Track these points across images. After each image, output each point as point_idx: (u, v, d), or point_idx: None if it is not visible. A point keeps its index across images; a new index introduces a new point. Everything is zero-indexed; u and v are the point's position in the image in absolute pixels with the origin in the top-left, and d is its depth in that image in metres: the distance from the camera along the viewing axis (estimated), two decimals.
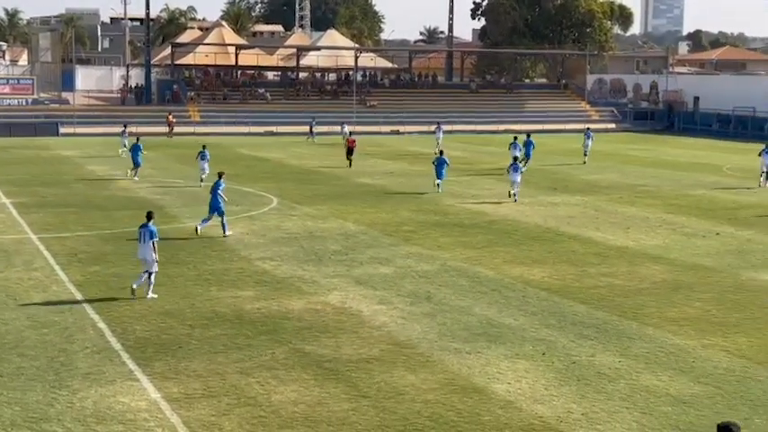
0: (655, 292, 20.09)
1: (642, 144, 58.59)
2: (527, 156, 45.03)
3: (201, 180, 36.60)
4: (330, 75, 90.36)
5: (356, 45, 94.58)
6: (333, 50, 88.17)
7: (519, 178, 34.16)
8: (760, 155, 41.14)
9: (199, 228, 26.34)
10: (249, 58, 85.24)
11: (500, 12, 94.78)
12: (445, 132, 59.76)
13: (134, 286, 19.08)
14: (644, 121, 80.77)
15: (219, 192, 26.28)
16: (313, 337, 16.45)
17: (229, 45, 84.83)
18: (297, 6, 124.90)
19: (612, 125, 79.78)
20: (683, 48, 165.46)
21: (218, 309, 18.24)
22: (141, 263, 19.34)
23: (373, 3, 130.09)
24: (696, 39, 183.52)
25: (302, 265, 22.43)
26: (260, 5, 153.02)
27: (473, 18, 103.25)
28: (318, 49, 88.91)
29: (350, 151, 46.56)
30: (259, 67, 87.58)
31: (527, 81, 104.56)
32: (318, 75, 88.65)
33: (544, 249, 24.88)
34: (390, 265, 22.52)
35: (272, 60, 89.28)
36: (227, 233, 26.04)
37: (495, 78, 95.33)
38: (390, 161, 49.28)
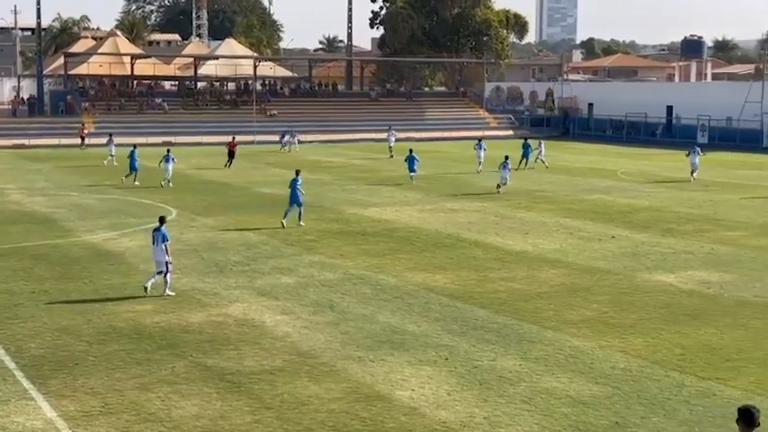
0: (553, 295, 20.47)
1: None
2: (525, 157, 49.14)
3: (168, 182, 40.11)
4: (229, 84, 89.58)
5: (255, 54, 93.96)
6: (231, 59, 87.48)
7: (508, 175, 39.27)
8: (688, 155, 45.25)
9: (284, 222, 29.52)
10: (145, 67, 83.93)
11: (398, 21, 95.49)
12: (345, 141, 59.92)
13: (147, 285, 19.98)
14: (540, 128, 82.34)
15: (298, 186, 29.98)
16: (214, 349, 16.24)
17: (124, 55, 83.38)
18: (194, 15, 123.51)
19: (510, 132, 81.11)
20: (577, 55, 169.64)
21: (116, 324, 17.85)
22: (155, 264, 20.19)
23: (272, 12, 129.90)
24: (589, 46, 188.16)
25: (203, 277, 22.14)
26: (155, 14, 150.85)
27: (372, 27, 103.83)
28: (216, 58, 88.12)
29: (230, 154, 49.41)
30: (156, 76, 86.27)
31: (426, 89, 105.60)
32: (217, 84, 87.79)
33: (446, 255, 25.11)
34: (293, 275, 22.41)
35: (170, 70, 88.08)
36: (302, 223, 29.71)
37: (395, 87, 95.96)
38: (290, 170, 48.89)
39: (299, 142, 64.56)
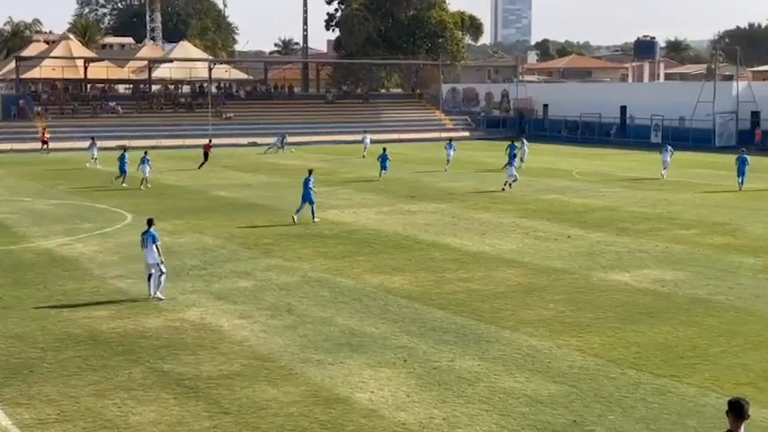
0: (510, 295, 20.58)
1: (496, 151, 59.94)
2: (520, 157, 49.16)
3: (147, 183, 41.26)
4: (184, 87, 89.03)
5: (210, 57, 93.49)
6: (186, 62, 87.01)
7: (515, 172, 41.26)
8: (660, 153, 47.68)
9: (295, 217, 30.92)
10: (99, 71, 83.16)
11: (354, 23, 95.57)
12: (302, 144, 59.88)
13: (156, 293, 20.02)
14: (496, 129, 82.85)
15: (310, 185, 31.27)
16: (172, 355, 16.11)
17: (77, 58, 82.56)
18: (147, 18, 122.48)
19: (466, 133, 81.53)
20: (532, 57, 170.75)
21: (72, 330, 17.64)
22: (148, 267, 20.08)
23: (226, 14, 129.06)
24: (544, 48, 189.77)
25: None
26: (109, 18, 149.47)
27: (327, 29, 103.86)
28: (171, 61, 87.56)
29: (206, 156, 50.92)
30: (109, 80, 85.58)
31: (383, 91, 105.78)
32: (172, 87, 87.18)
33: (404, 257, 25.14)
34: (250, 279, 22.31)
35: (123, 73, 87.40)
36: (316, 219, 31.00)
37: (352, 89, 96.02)
38: (248, 173, 48.87)
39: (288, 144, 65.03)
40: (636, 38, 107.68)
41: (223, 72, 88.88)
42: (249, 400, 13.84)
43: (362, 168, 51.66)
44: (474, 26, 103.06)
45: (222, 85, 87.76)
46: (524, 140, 54.14)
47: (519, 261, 24.43)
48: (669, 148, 47.63)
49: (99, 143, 61.25)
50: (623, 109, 77.22)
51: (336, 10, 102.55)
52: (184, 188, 41.97)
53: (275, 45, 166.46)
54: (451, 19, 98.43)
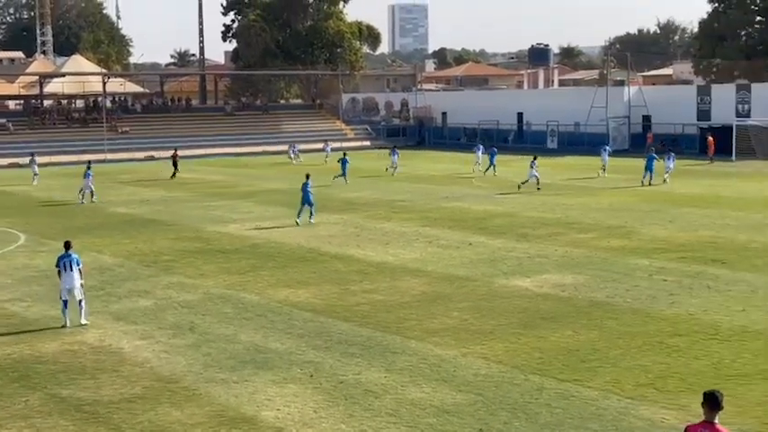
0: (415, 305, 20.66)
1: (374, 161, 60.16)
2: (491, 163, 51.14)
3: (93, 196, 41.72)
4: (78, 102, 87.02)
5: (104, 70, 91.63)
6: (79, 76, 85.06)
7: (537, 173, 43.31)
8: (599, 154, 50.71)
9: (298, 220, 33.14)
10: None
11: (251, 34, 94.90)
12: (201, 157, 59.31)
13: (67, 322, 19.10)
14: (397, 138, 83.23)
15: (309, 189, 33.64)
16: (70, 380, 15.67)
17: None
18: (38, 32, 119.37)
19: (367, 142, 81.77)
20: (430, 65, 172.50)
21: None
22: (68, 293, 19.21)
23: (120, 26, 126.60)
24: (441, 56, 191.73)
25: (55, 304, 21.25)
26: None
27: (224, 40, 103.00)
28: (63, 75, 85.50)
29: (175, 165, 53.54)
30: None
31: (282, 102, 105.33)
32: (65, 102, 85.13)
33: (308, 270, 25.02)
34: (150, 298, 21.88)
35: (14, 89, 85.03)
36: (312, 221, 33.25)
37: (251, 100, 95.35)
38: (145, 189, 48.02)
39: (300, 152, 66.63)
40: (530, 45, 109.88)
41: (118, 85, 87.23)
42: (152, 423, 13.54)
43: (264, 181, 51.32)
44: (372, 36, 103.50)
45: (117, 98, 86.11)
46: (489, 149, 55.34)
47: (422, 270, 24.56)
48: (607, 147, 51.31)
49: None
50: (520, 115, 78.56)
51: (233, 21, 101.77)
52: (81, 205, 40.99)
53: (171, 57, 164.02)
54: (349, 29, 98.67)
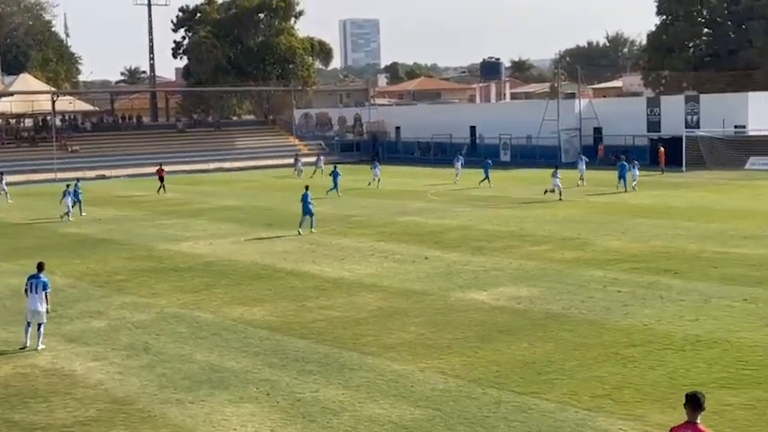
0: (372, 320, 20.63)
1: (351, 175, 60.32)
2: (487, 174, 52.38)
3: (66, 215, 41.82)
4: (26, 121, 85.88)
5: (53, 89, 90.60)
6: (27, 95, 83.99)
7: (558, 182, 44.58)
8: (576, 166, 52.56)
9: (300, 230, 34.57)
10: None
11: (202, 50, 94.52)
12: (153, 175, 58.71)
13: (27, 342, 18.85)
14: (351, 153, 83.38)
15: (309, 200, 35.18)
16: (22, 403, 15.39)
17: None
18: None
19: (322, 158, 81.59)
20: (382, 80, 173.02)
21: None
22: (31, 315, 18.89)
23: (69, 44, 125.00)
24: (393, 70, 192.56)
25: (6, 326, 20.98)
26: None
27: (175, 57, 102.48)
28: (11, 94, 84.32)
29: (161, 179, 54.56)
30: None
31: (235, 118, 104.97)
32: (13, 121, 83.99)
33: (263, 287, 24.89)
34: (103, 318, 21.62)
35: None
36: (314, 230, 34.82)
37: (203, 117, 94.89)
38: (97, 207, 47.46)
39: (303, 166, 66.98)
40: (482, 59, 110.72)
41: (67, 104, 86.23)
42: None
43: (217, 198, 51.03)
44: (324, 51, 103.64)
45: (67, 117, 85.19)
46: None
47: (379, 285, 24.54)
48: (583, 157, 53.37)
49: None
50: (473, 129, 79.08)
51: (184, 37, 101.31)
52: (31, 226, 40.46)
53: (121, 74, 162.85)
54: (301, 45, 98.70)
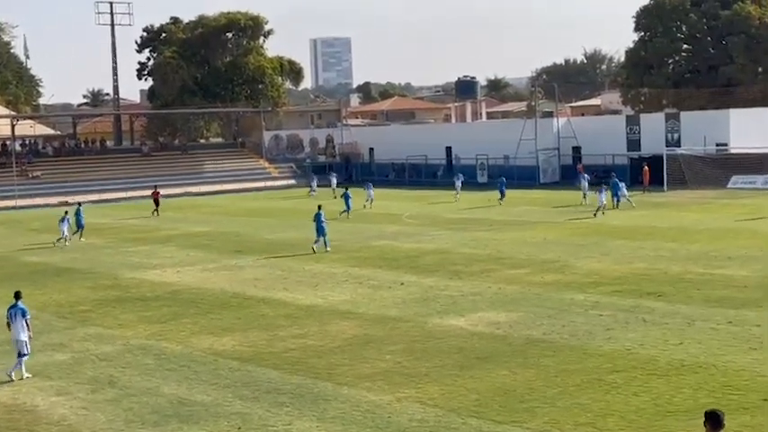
0: (347, 349, 20.58)
1: (324, 199, 60.31)
2: (502, 191, 54.40)
3: (61, 240, 41.98)
4: None
5: (12, 112, 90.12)
6: None
7: (605, 198, 45.85)
8: (579, 182, 53.92)
9: (314, 247, 36.12)
10: None
11: (167, 71, 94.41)
12: (118, 200, 58.72)
13: (12, 374, 18.99)
14: (323, 175, 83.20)
15: (322, 219, 36.61)
16: None
17: None
18: None
19: (293, 181, 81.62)
20: (355, 100, 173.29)
21: None
22: (16, 344, 19.17)
23: (29, 66, 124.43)
24: (366, 90, 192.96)
25: None
26: None
27: (140, 78, 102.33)
28: None
29: (156, 203, 56.24)
30: None
31: (202, 141, 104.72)
32: None
33: (233, 316, 24.79)
34: (67, 351, 21.44)
35: None
36: (329, 249, 36.14)
37: (169, 140, 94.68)
38: (59, 235, 47.03)
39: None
40: (456, 78, 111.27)
41: (28, 128, 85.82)
42: None
43: (185, 224, 50.82)
44: (294, 71, 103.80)
45: (27, 141, 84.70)
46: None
47: (353, 312, 24.51)
48: (586, 176, 54.95)
49: None
50: (449, 150, 79.32)
51: (148, 58, 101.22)
52: None
53: (84, 97, 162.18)
54: (270, 64, 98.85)
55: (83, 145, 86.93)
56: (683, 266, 29.65)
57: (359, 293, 27.35)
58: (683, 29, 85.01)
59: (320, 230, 36.59)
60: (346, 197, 49.93)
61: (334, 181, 67.85)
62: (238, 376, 18.68)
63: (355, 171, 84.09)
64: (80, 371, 19.62)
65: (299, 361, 19.69)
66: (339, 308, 25.22)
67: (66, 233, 42.36)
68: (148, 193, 71.26)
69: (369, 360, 19.50)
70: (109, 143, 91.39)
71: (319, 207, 37.96)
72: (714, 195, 54.56)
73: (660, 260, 31.18)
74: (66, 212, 44.39)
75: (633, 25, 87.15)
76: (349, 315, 24.16)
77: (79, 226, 44.74)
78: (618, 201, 49.01)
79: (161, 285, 30.29)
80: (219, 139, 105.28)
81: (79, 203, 48.64)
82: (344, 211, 49.46)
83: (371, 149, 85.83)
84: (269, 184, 78.78)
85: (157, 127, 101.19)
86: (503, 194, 54.46)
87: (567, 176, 68.84)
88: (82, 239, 44.03)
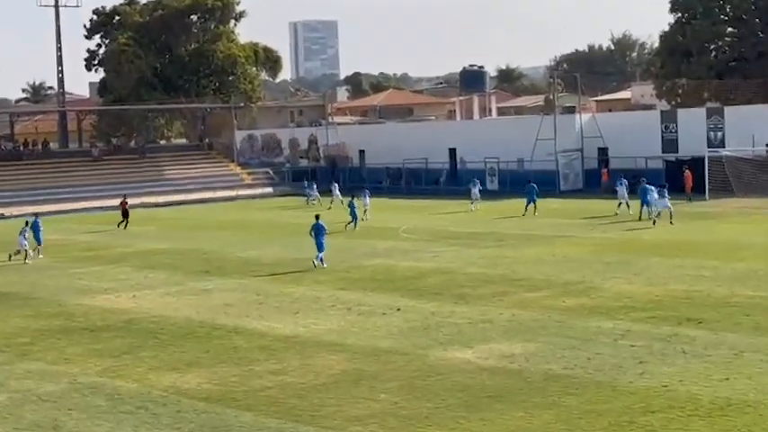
0: (333, 387, 20.58)
1: (303, 210, 60.39)
2: (532, 200, 54.82)
3: (20, 254, 43.22)
4: None
5: None
6: None
7: (657, 203, 46.79)
8: (617, 187, 53.75)
9: (315, 262, 37.52)
10: None
11: (122, 61, 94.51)
12: (63, 213, 58.67)
13: None
14: (305, 182, 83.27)
15: (324, 231, 38.19)
16: None
17: None
18: None
19: (269, 189, 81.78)
20: (343, 93, 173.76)
21: None
22: None
23: None
24: (355, 82, 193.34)
25: None
26: None
27: (89, 69, 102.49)
28: None
29: (125, 214, 57.51)
30: None
31: (163, 142, 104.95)
32: None
33: (199, 349, 24.78)
34: (3, 391, 21.42)
35: None
36: (325, 265, 37.33)
37: (123, 141, 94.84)
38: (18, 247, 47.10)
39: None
40: (462, 67, 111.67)
41: None
42: None
43: (143, 240, 50.83)
44: (271, 60, 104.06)
45: None
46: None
47: (341, 344, 24.51)
48: (624, 181, 53.97)
49: None
50: (452, 152, 79.46)
51: (99, 45, 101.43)
52: None
53: (23, 91, 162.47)
54: (243, 52, 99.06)
55: (21, 148, 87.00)
56: (729, 288, 29.71)
57: (348, 321, 27.36)
58: (727, 10, 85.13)
59: (319, 243, 37.88)
60: (351, 207, 51.29)
61: (337, 189, 67.98)
62: (205, 419, 18.67)
63: (342, 177, 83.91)
64: (19, 414, 19.59)
65: (278, 401, 19.68)
66: (324, 339, 25.22)
67: (26, 247, 43.30)
68: (99, 204, 71.69)
69: (359, 400, 19.49)
70: (53, 145, 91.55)
71: (317, 217, 38.82)
72: (763, 205, 54.62)
73: (701, 281, 31.25)
74: (27, 223, 45.08)
75: (669, 5, 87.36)
76: (336, 347, 24.16)
77: (38, 241, 45.21)
78: (651, 210, 48.17)
79: (114, 313, 30.28)
80: (183, 141, 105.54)
81: (35, 214, 49.41)
82: (351, 222, 50.78)
83: (362, 152, 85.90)
84: (241, 192, 78.92)
85: (110, 126, 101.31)
86: (533, 203, 54.68)
87: (592, 183, 68.92)
88: (40, 256, 44.62)
